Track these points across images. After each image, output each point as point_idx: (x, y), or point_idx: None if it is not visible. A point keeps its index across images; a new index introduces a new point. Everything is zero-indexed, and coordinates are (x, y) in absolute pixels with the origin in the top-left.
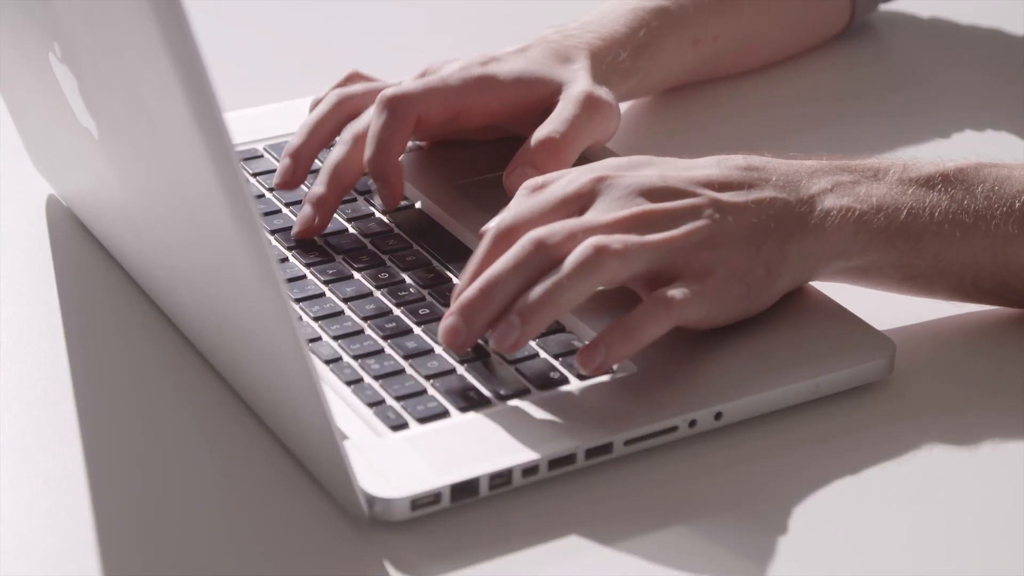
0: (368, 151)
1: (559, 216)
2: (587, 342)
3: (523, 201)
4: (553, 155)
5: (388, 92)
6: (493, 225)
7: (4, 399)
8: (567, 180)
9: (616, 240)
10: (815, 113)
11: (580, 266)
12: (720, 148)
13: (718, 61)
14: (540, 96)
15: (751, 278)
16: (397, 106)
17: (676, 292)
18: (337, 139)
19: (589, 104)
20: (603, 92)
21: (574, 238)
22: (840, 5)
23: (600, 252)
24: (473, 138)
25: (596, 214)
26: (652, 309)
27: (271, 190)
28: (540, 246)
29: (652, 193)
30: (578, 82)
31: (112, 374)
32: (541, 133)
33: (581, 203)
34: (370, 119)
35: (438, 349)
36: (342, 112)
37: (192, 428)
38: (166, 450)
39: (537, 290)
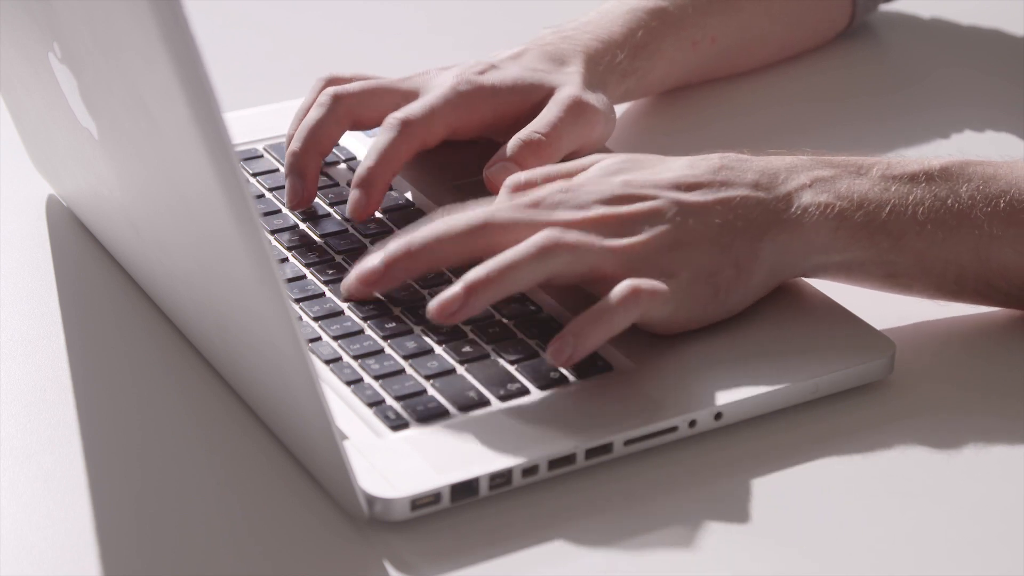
0: (368, 160)
1: None
2: (556, 337)
3: (500, 202)
4: (535, 153)
5: (398, 114)
6: (476, 215)
7: (4, 399)
8: (537, 188)
9: (571, 235)
10: (815, 113)
11: (534, 252)
12: (720, 148)
13: (717, 62)
14: (532, 103)
15: (719, 279)
16: (406, 128)
17: (642, 282)
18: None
19: (574, 108)
20: (592, 98)
21: (515, 227)
22: (840, 5)
23: (555, 242)
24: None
25: (557, 215)
26: (621, 298)
27: (271, 190)
28: (487, 226)
29: (614, 200)
30: (568, 86)
31: (112, 374)
32: (523, 134)
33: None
34: (354, 87)
35: (438, 349)
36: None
37: (192, 428)
38: (166, 450)
39: (486, 266)
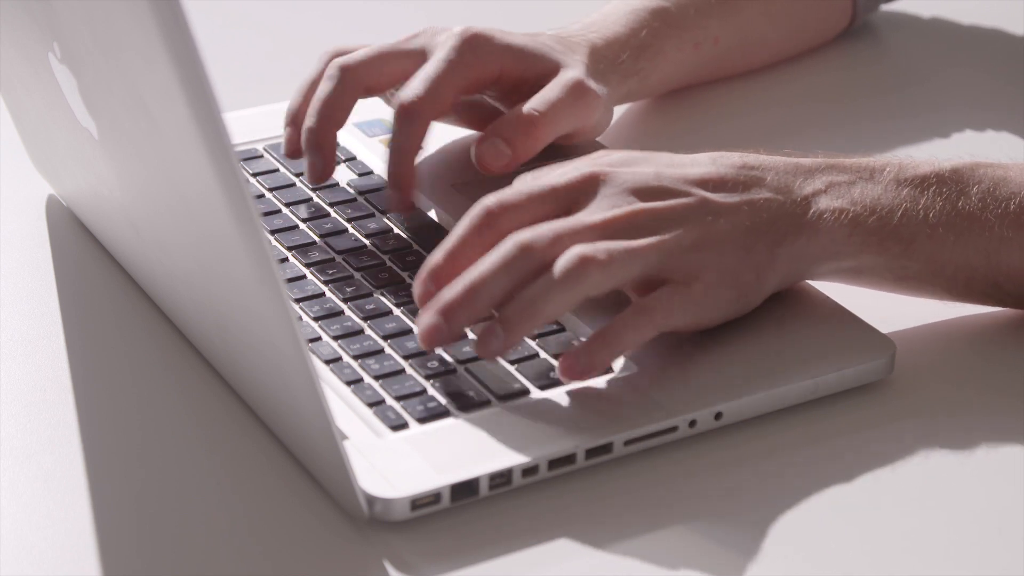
0: (391, 160)
1: (547, 208)
2: (567, 352)
3: (515, 185)
4: (527, 132)
5: (404, 100)
6: (479, 204)
7: (4, 399)
8: (561, 171)
9: (601, 250)
10: (816, 113)
11: (564, 277)
12: (721, 149)
13: (719, 63)
14: (537, 72)
15: (740, 283)
16: (413, 116)
17: (658, 302)
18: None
19: (575, 90)
20: (594, 84)
21: (560, 242)
22: (841, 6)
23: (585, 263)
24: (467, 125)
25: (586, 214)
26: (632, 319)
27: (271, 190)
28: (526, 250)
29: (646, 192)
30: (572, 68)
31: (112, 374)
32: (519, 109)
33: (572, 197)
34: (360, 55)
35: (438, 349)
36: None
37: (192, 428)
38: (166, 450)
39: (520, 300)
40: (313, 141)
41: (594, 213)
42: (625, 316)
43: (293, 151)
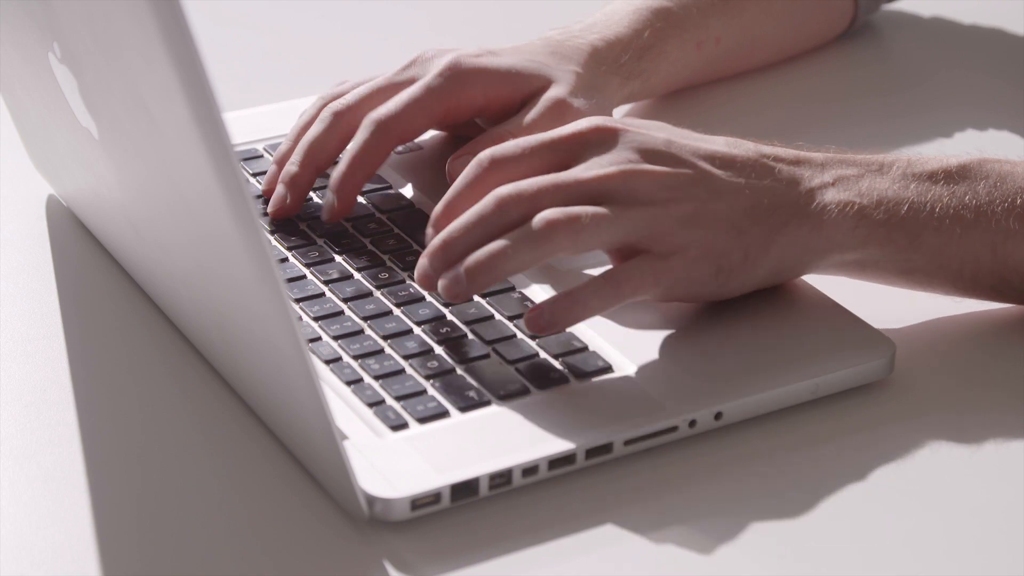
0: (340, 166)
1: (544, 161)
2: (535, 305)
3: (516, 138)
4: None
5: (374, 114)
6: (476, 157)
7: (4, 399)
8: (574, 123)
9: (573, 214)
10: (817, 113)
11: (530, 237)
12: None
13: (721, 63)
14: (525, 93)
15: (723, 261)
16: (380, 128)
17: (630, 274)
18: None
19: (555, 109)
20: (578, 102)
21: (539, 199)
22: (842, 6)
23: (552, 226)
24: (465, 133)
25: (582, 169)
26: (601, 287)
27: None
28: (502, 206)
29: (650, 155)
30: (558, 86)
31: (112, 374)
32: (496, 130)
33: (574, 149)
34: (351, 97)
35: (438, 349)
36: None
37: (192, 428)
38: (166, 450)
39: (484, 251)
40: (291, 179)
41: (590, 168)
42: (594, 282)
43: (270, 190)
